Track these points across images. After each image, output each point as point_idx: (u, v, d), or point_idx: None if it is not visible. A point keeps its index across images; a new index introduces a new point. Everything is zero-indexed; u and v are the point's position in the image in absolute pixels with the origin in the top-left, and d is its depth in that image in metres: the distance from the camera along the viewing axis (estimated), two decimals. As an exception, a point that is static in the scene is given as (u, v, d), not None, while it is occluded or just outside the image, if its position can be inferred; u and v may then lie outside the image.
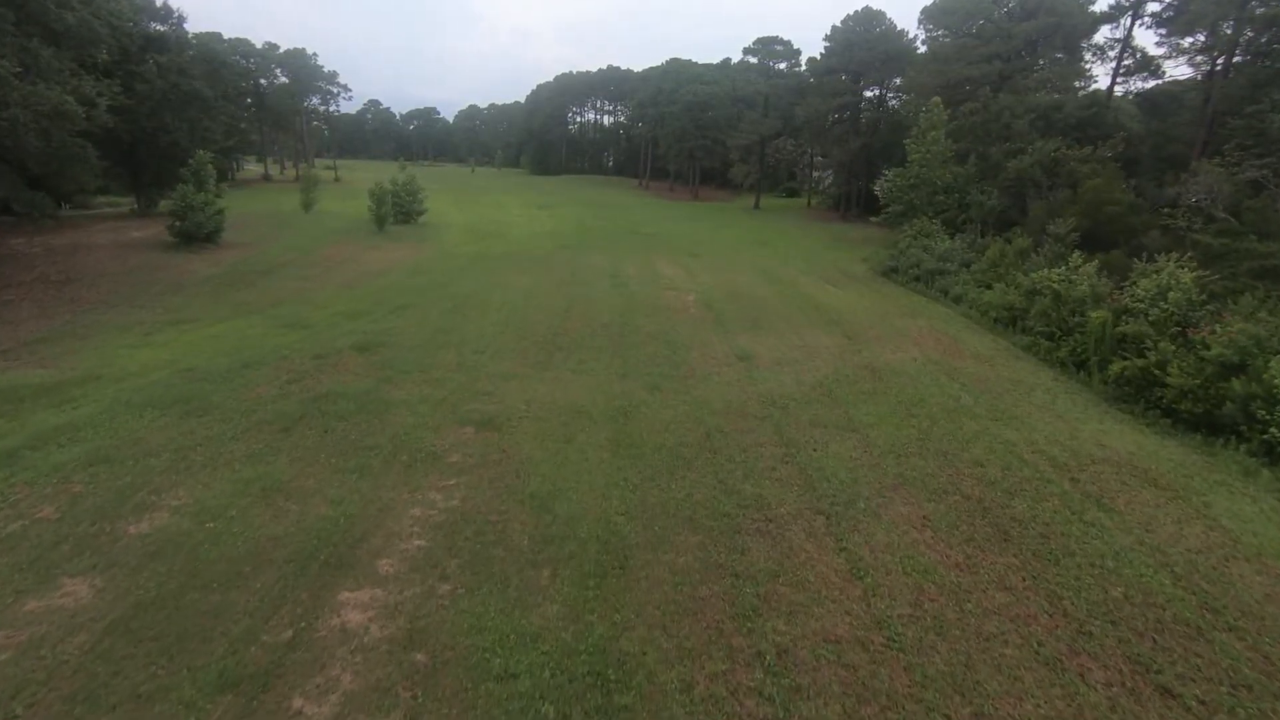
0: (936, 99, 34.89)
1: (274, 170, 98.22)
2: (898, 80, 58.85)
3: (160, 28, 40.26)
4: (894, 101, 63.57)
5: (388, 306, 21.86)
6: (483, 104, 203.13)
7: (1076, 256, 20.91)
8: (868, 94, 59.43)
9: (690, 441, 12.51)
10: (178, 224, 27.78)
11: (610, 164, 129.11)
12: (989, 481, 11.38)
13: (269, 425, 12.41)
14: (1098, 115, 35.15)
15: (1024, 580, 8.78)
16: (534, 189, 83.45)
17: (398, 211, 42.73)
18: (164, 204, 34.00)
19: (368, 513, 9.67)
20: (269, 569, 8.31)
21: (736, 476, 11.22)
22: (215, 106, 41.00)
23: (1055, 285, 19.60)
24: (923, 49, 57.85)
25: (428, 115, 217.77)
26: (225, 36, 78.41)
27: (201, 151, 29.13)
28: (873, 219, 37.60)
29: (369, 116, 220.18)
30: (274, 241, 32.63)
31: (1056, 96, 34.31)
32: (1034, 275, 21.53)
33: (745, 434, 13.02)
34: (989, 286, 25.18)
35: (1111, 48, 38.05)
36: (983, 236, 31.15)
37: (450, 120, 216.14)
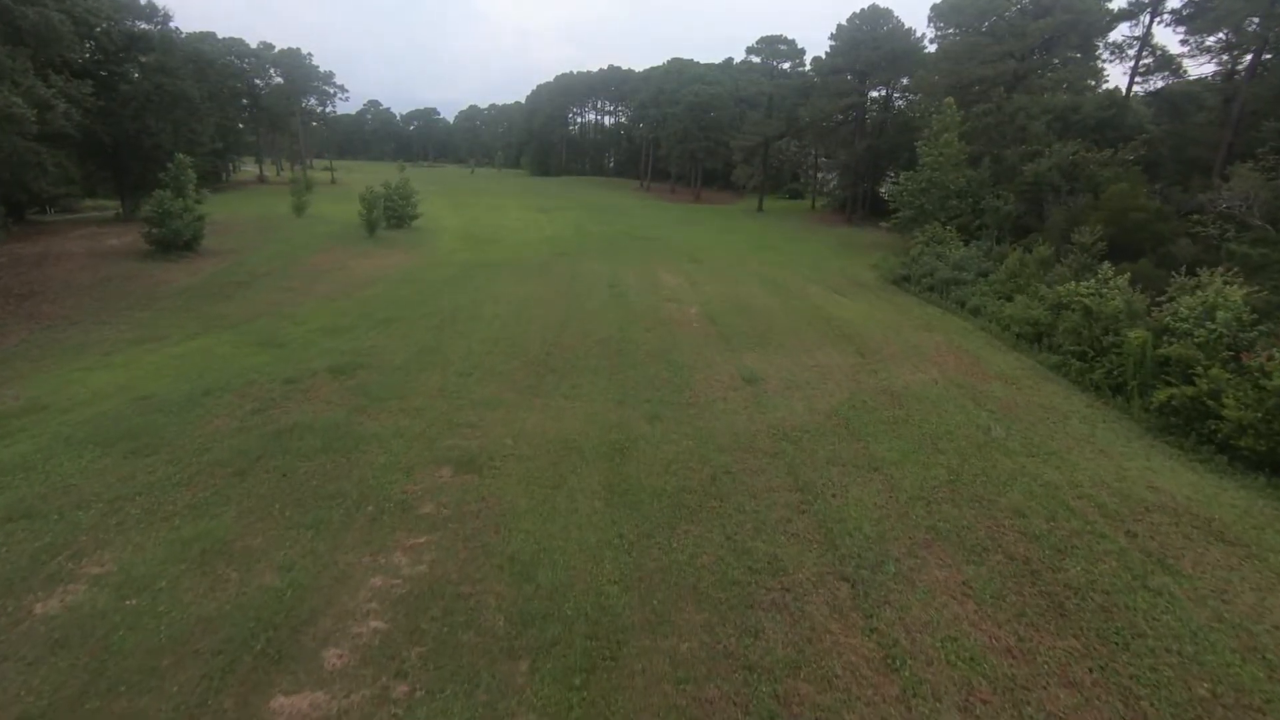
0: (949, 99, 33.51)
1: (270, 172, 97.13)
2: (904, 80, 57.60)
3: (146, 26, 39.01)
4: (900, 102, 62.29)
5: (371, 321, 20.53)
6: (484, 105, 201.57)
7: (1106, 268, 19.52)
8: (874, 94, 58.05)
9: (694, 486, 11.15)
10: (154, 231, 26.47)
11: (611, 165, 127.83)
12: (1034, 536, 10.01)
13: (222, 468, 11.07)
14: (1117, 116, 33.74)
15: (1090, 672, 7.42)
16: (533, 191, 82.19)
17: (390, 216, 41.42)
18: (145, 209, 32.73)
19: (320, 583, 8.33)
20: (192, 663, 6.96)
21: (747, 531, 9.86)
22: (202, 108, 39.65)
23: (1085, 300, 18.21)
24: (931, 48, 56.56)
25: (428, 116, 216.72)
26: (220, 36, 77.36)
27: (180, 155, 27.80)
28: (883, 224, 36.19)
29: (369, 117, 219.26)
30: (259, 248, 31.31)
31: (1073, 97, 32.88)
32: (1060, 288, 20.14)
33: (755, 475, 11.66)
34: (1009, 298, 23.80)
35: (1130, 46, 36.64)
36: (998, 243, 29.76)
37: (451, 121, 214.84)
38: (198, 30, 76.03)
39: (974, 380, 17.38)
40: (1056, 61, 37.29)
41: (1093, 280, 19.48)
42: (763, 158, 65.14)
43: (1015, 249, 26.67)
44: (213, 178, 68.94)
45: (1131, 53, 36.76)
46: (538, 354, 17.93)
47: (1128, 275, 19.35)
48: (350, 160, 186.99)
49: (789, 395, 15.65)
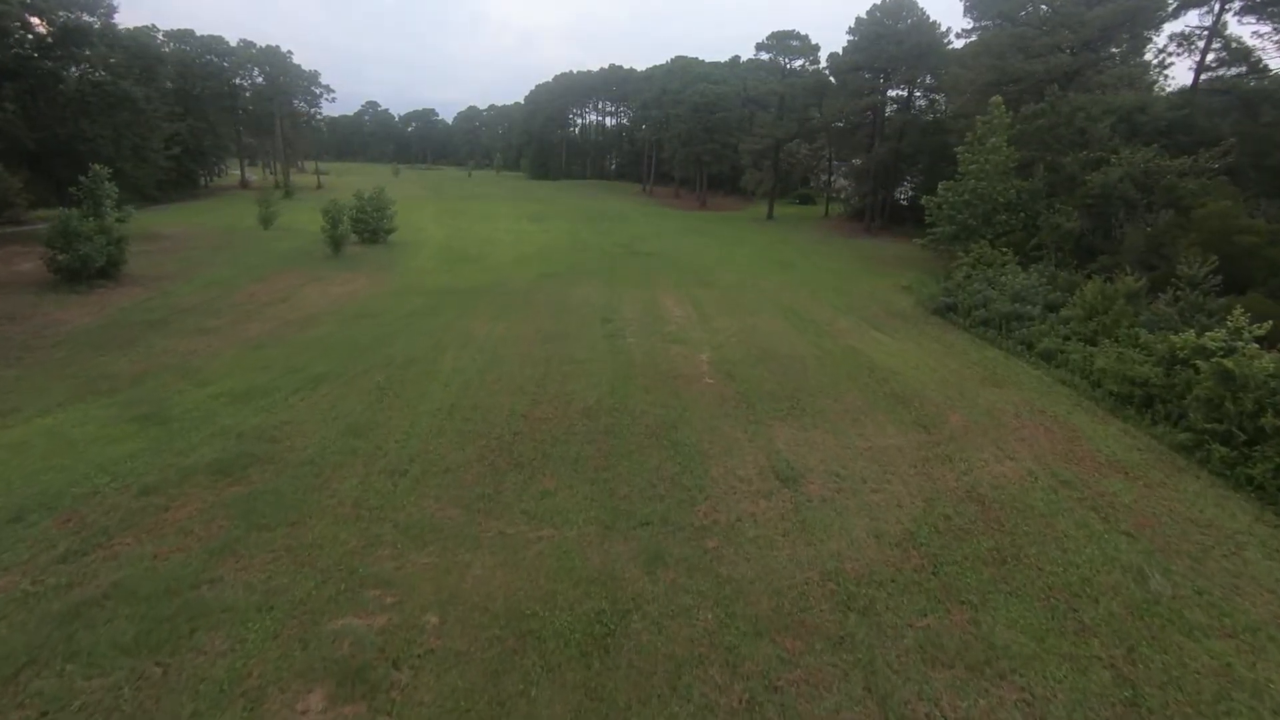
0: (997, 99, 29.09)
1: (258, 176, 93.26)
2: (926, 79, 53.24)
3: (88, 19, 34.85)
4: (921, 101, 57.90)
5: (297, 380, 16.22)
6: (483, 105, 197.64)
7: (1238, 314, 15.10)
8: (895, 93, 53.68)
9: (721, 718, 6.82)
10: (58, 258, 22.19)
11: (613, 168, 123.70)
12: None
13: (-59, 702, 6.77)
14: (1189, 118, 29.30)
15: None
16: (529, 196, 78.03)
17: (363, 230, 37.21)
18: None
19: None
20: None
21: None
22: (149, 110, 35.44)
23: (1225, 362, 13.80)
24: (956, 43, 52.27)
25: (426, 117, 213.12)
26: (199, 34, 73.43)
27: (98, 165, 23.53)
28: (918, 241, 31.77)
29: (367, 118, 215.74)
30: (196, 273, 27.09)
31: (1141, 94, 28.46)
32: (1175, 338, 15.74)
33: (814, 692, 7.32)
34: (1092, 342, 19.40)
35: (1198, 37, 32.19)
36: (1060, 267, 25.32)
37: (450, 122, 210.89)
38: (182, 27, 72.14)
39: (1083, 471, 12.99)
40: (1115, 53, 32.85)
41: (1221, 330, 15.09)
42: (774, 162, 60.76)
43: (1091, 278, 22.25)
44: (186, 184, 64.99)
45: (1199, 44, 32.30)
46: (502, 434, 13.60)
47: (1269, 324, 14.94)
48: (348, 162, 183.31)
49: (843, 506, 11.28)
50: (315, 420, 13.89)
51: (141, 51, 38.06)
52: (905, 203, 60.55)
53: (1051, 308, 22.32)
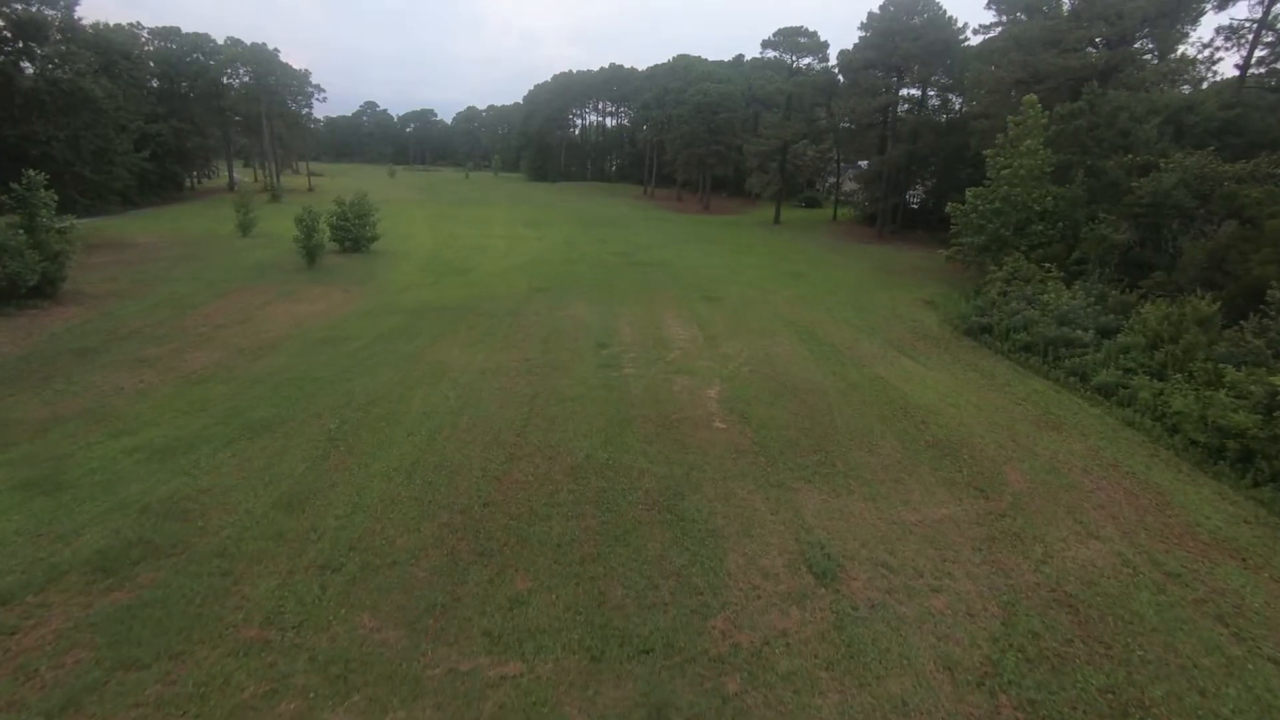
0: (1030, 97, 26.53)
1: (249, 177, 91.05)
2: (941, 77, 50.72)
3: (49, 12, 32.42)
4: (934, 101, 55.36)
5: (234, 427, 13.72)
6: (486, 107, 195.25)
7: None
8: (909, 92, 51.14)
9: None
10: (-18, 276, 19.76)
11: (613, 170, 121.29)
12: None
13: None
14: (1240, 117, 26.76)
15: None
16: (526, 200, 75.63)
17: (344, 238, 34.73)
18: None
19: None
20: None
21: None
22: (109, 109, 32.97)
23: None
24: (973, 40, 49.82)
25: (425, 117, 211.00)
26: (184, 31, 71.06)
27: (33, 171, 21.04)
28: (941, 251, 29.23)
29: (365, 119, 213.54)
30: (150, 289, 24.61)
31: (1191, 92, 25.92)
32: (1276, 380, 13.21)
33: None
34: (1159, 376, 16.87)
35: (1247, 29, 29.63)
36: (1108, 284, 22.78)
37: (449, 122, 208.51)
38: (163, 25, 69.72)
39: (1189, 556, 10.46)
40: (1153, 48, 30.30)
41: (1336, 372, 12.56)
42: (780, 164, 58.23)
43: (1146, 298, 19.73)
44: (169, 187, 62.64)
45: (1248, 37, 29.74)
46: (469, 504, 11.09)
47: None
48: (345, 164, 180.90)
49: (898, 618, 8.76)
50: (243, 486, 11.37)
51: (106, 47, 35.54)
52: (915, 206, 58.06)
53: (1105, 333, 19.78)
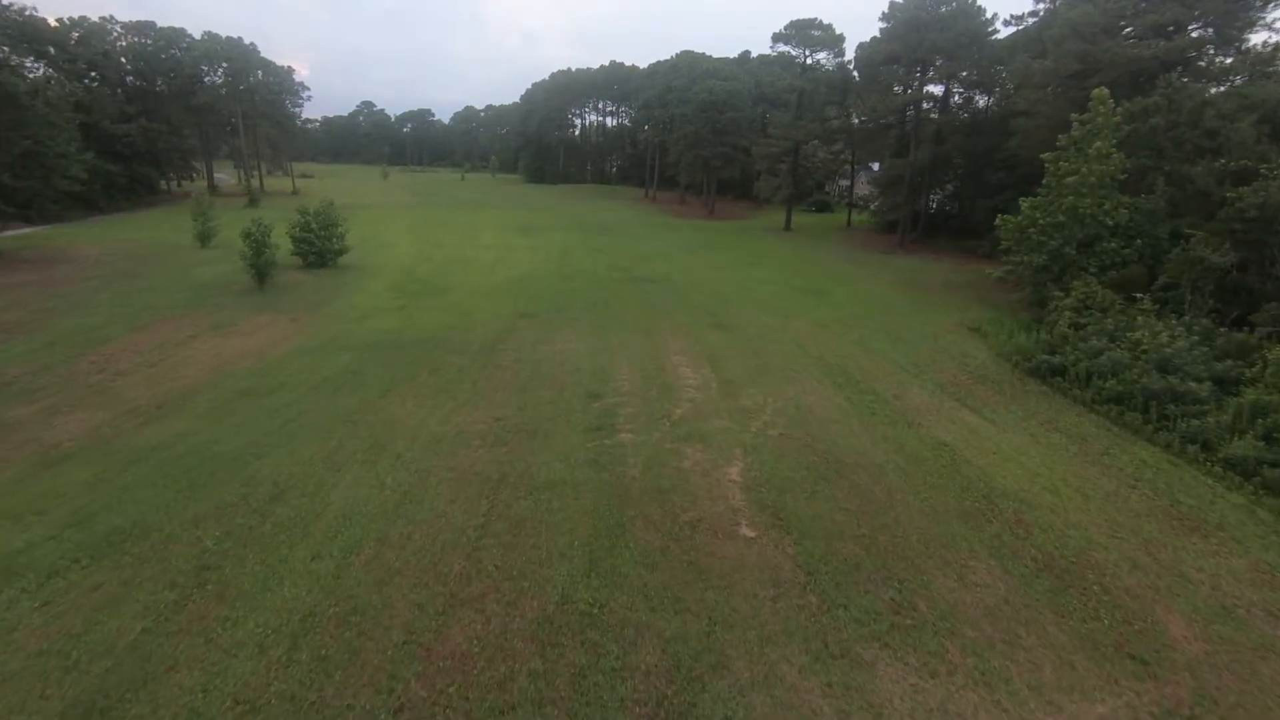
0: (1100, 90, 22.53)
1: (235, 179, 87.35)
2: (970, 72, 46.69)
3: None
4: (959, 98, 51.31)
5: (66, 549, 9.79)
6: (480, 105, 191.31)
7: None
8: (931, 89, 47.12)
9: None
10: None
11: (614, 171, 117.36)
12: None
13: None
14: (1345, 115, 22.72)
15: None
16: (521, 203, 71.67)
17: (307, 252, 30.86)
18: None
19: None
20: None
21: None
22: (35, 106, 29.07)
23: None
24: (1004, 30, 45.85)
25: (422, 117, 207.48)
26: (159, 26, 67.25)
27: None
28: (990, 271, 25.21)
29: (361, 119, 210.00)
30: (56, 319, 20.71)
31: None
32: None
33: None
34: (1321, 451, 12.87)
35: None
36: (1201, 313, 18.80)
37: (447, 122, 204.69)
38: (136, 19, 65.88)
39: None
40: (1235, 33, 26.27)
41: None
42: (792, 166, 54.26)
43: (1272, 337, 15.75)
44: (141, 191, 58.85)
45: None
46: (371, 706, 7.16)
47: None
48: (342, 165, 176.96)
49: None
50: (28, 676, 7.44)
51: (34, 35, 31.65)
52: (932, 210, 54.02)
53: (1223, 383, 15.80)
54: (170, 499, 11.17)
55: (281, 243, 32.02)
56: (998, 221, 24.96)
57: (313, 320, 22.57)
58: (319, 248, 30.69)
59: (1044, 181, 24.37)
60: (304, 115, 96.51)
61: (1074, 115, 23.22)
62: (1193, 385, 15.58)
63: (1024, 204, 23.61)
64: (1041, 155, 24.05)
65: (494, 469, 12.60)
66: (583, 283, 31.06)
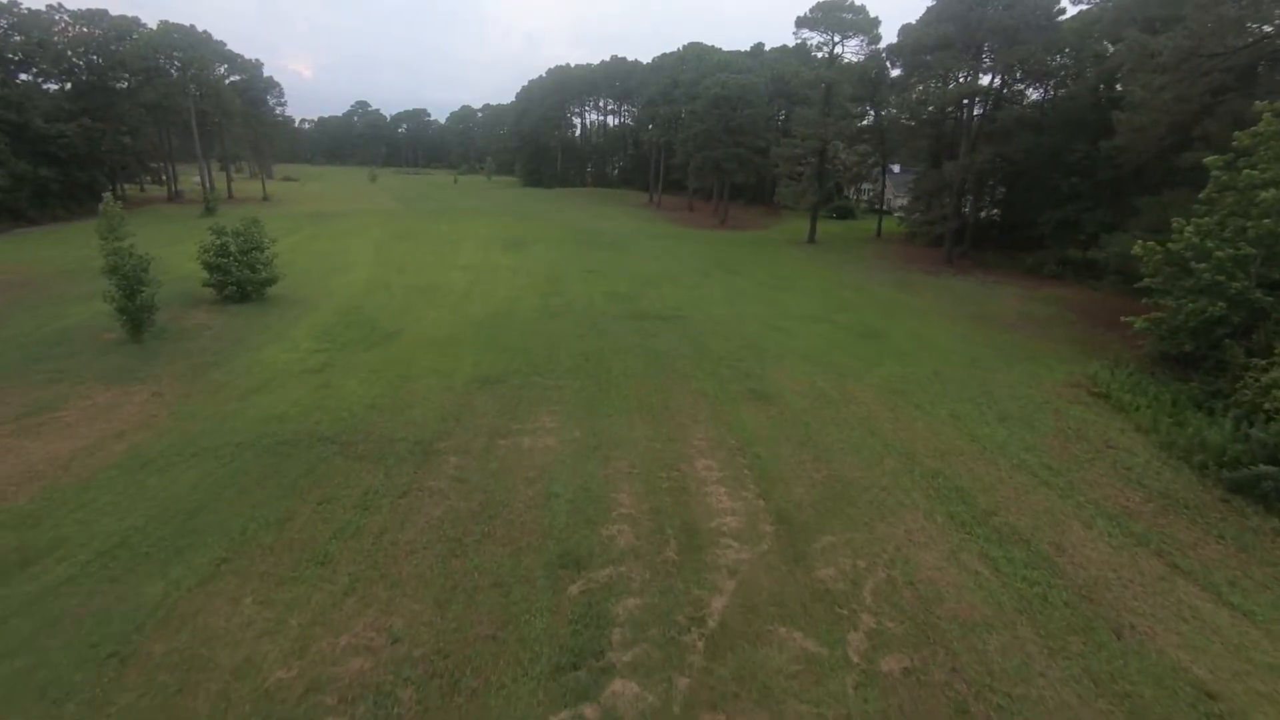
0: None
1: (219, 182, 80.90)
2: (1037, 57, 39.96)
3: None
4: (1017, 88, 44.51)
5: None
6: (478, 105, 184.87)
7: None
8: (985, 80, 40.38)
9: None
10: None
11: (616, 173, 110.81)
12: None
13: None
14: None
15: None
16: (514, 210, 65.03)
17: (223, 284, 24.27)
18: None
19: None
20: None
21: None
22: None
23: None
24: (1073, 10, 39.27)
25: (418, 117, 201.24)
26: (112, 14, 60.80)
27: None
28: (1130, 320, 18.34)
29: (356, 119, 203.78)
30: None
31: None
32: None
33: None
34: None
35: None
36: None
37: (443, 122, 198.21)
38: (87, 8, 59.38)
39: None
40: None
41: None
42: (817, 169, 47.54)
43: None
44: (85, 199, 52.32)
45: None
46: None
47: None
48: (337, 166, 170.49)
49: None
50: None
51: None
52: (979, 218, 47.22)
53: None
54: None
55: (194, 271, 25.55)
56: (1136, 249, 18.19)
57: (183, 396, 15.91)
58: (237, 277, 24.05)
59: (1201, 196, 17.67)
60: (300, 116, 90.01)
61: (1260, 104, 16.46)
62: None
63: (1186, 227, 16.82)
64: (1206, 160, 17.29)
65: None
66: (572, 322, 24.38)
